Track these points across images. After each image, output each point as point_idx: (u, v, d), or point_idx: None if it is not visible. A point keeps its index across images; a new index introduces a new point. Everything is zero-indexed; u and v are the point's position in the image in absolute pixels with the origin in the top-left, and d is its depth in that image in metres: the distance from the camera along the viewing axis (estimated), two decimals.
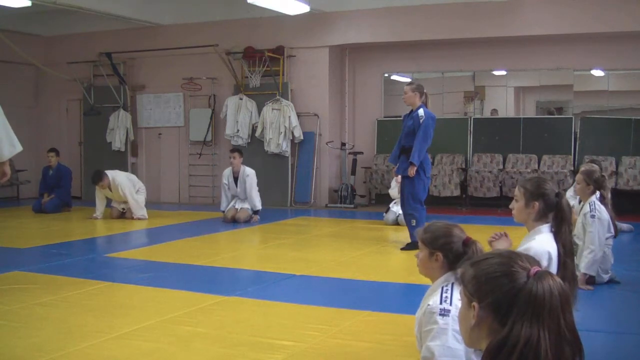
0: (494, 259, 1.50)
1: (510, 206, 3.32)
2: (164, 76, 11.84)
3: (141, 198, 9.45)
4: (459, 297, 1.71)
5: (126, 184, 9.28)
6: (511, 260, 1.47)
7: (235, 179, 9.11)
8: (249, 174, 9.07)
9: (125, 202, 9.34)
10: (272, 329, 3.85)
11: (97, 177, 9.17)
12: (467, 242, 2.76)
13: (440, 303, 2.60)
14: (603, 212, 4.98)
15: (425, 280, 2.97)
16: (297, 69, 11.16)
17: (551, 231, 3.13)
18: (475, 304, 1.46)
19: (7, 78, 12.08)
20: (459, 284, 1.59)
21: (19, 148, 4.06)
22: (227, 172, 9.21)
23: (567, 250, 3.04)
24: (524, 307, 1.38)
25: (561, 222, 3.10)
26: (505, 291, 1.42)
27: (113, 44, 11.94)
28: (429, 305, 2.64)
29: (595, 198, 5.05)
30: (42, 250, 6.76)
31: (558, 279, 1.43)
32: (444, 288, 2.65)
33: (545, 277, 1.42)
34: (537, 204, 3.16)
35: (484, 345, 1.47)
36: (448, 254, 2.74)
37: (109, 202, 9.52)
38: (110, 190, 9.27)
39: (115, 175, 9.29)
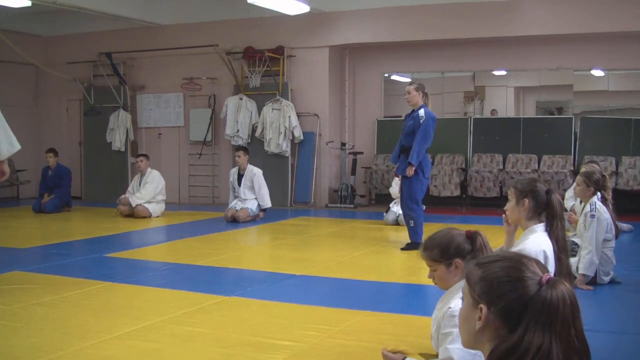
0: (502, 262, 1.49)
1: (505, 208, 3.38)
2: (164, 76, 11.84)
3: (155, 203, 9.68)
4: None
5: (156, 180, 9.72)
6: (522, 265, 1.46)
7: (240, 178, 9.20)
8: (256, 173, 9.23)
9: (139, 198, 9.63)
10: (272, 329, 3.85)
11: (144, 154, 9.97)
12: (471, 235, 2.78)
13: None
14: (603, 213, 4.96)
15: (426, 280, 2.97)
16: (297, 69, 11.16)
17: (546, 230, 3.16)
18: (483, 306, 1.45)
19: (7, 78, 12.09)
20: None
21: (17, 147, 4.06)
22: (234, 170, 9.43)
23: (560, 246, 3.08)
24: (537, 315, 1.37)
25: (553, 218, 3.15)
26: (517, 297, 1.41)
27: (113, 44, 11.94)
28: (450, 308, 2.63)
29: (596, 198, 5.03)
30: (42, 250, 6.76)
31: (568, 285, 1.43)
32: None
33: (558, 284, 1.41)
34: (527, 201, 3.24)
35: (486, 349, 1.46)
36: (465, 256, 2.74)
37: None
38: (142, 176, 9.76)
39: (155, 171, 9.87)
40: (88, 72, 12.26)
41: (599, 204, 4.99)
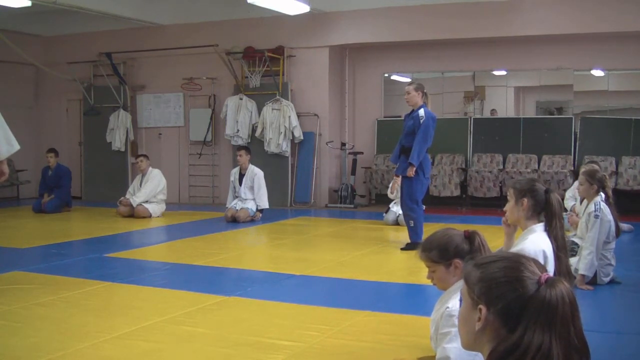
0: (501, 262, 1.48)
1: (504, 208, 3.40)
2: (164, 76, 11.84)
3: (155, 204, 9.68)
4: None
5: (157, 178, 9.72)
6: (520, 264, 1.45)
7: (242, 178, 9.21)
8: (257, 174, 9.24)
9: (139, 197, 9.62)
10: (272, 329, 3.85)
11: (144, 155, 9.99)
12: (469, 235, 2.78)
13: (460, 306, 2.60)
14: (607, 214, 4.93)
15: (426, 280, 2.97)
16: (297, 69, 11.16)
17: (545, 229, 3.16)
18: (482, 307, 1.45)
19: (7, 78, 12.08)
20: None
21: (16, 147, 4.07)
22: (235, 170, 9.45)
23: (559, 245, 3.08)
24: (536, 314, 1.37)
25: (552, 217, 3.16)
26: (516, 297, 1.40)
27: (113, 44, 11.93)
28: (447, 308, 2.63)
29: (600, 198, 5.01)
30: (42, 250, 6.76)
31: (567, 285, 1.42)
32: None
33: (557, 283, 1.41)
34: (525, 200, 3.25)
35: (486, 349, 1.45)
36: (464, 256, 2.74)
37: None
38: (143, 176, 9.75)
39: (156, 170, 9.89)
40: (88, 72, 12.26)
41: (603, 205, 4.96)
